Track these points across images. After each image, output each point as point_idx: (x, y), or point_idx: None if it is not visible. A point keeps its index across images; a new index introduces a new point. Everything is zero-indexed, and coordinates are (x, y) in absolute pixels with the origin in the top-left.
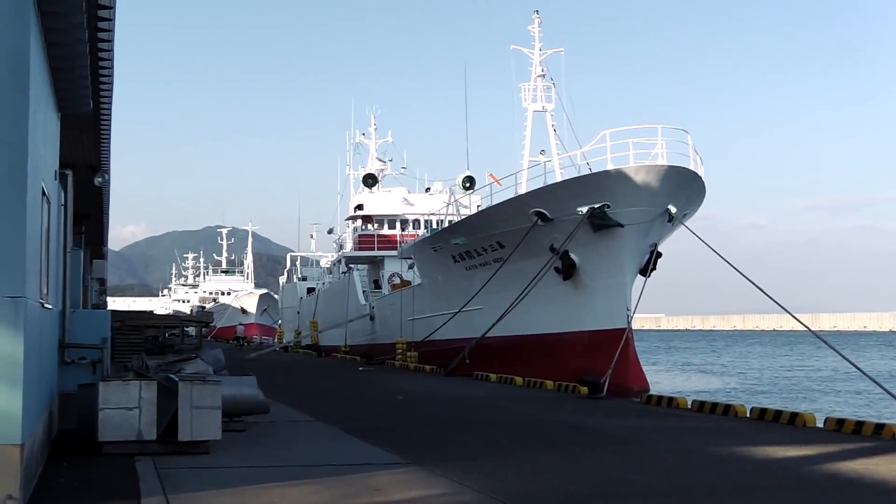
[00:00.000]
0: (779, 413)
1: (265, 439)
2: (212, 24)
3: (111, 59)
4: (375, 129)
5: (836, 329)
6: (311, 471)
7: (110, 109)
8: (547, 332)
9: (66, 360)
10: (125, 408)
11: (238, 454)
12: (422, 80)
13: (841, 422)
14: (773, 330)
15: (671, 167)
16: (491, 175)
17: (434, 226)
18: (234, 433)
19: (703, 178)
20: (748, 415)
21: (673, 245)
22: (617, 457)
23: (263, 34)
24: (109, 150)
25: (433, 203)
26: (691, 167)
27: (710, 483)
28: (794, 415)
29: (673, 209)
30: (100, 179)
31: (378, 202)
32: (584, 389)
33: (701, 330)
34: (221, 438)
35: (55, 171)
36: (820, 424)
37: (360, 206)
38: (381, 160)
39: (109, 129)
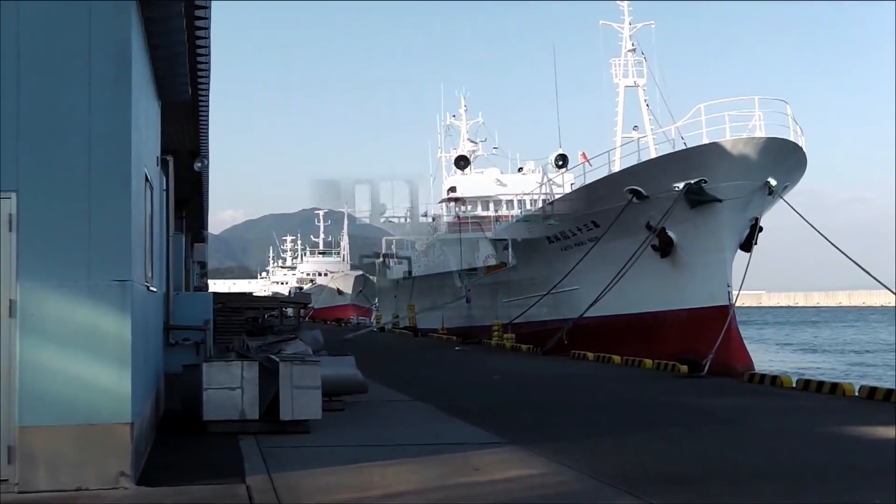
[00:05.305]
0: (890, 392)
1: (364, 419)
2: (308, 14)
3: (208, 47)
4: (466, 111)
5: None
6: (409, 450)
7: (208, 96)
8: (645, 312)
9: (170, 342)
10: (228, 388)
11: (338, 433)
12: (511, 59)
13: None
14: (882, 306)
15: (769, 139)
16: (582, 154)
17: (528, 206)
18: (334, 412)
19: (803, 149)
20: (857, 394)
21: (775, 220)
22: (719, 437)
23: (357, 22)
24: (208, 136)
25: (526, 183)
26: (791, 138)
27: (818, 464)
28: None
29: (773, 182)
30: (199, 164)
31: (471, 184)
32: (684, 368)
33: (804, 307)
34: (321, 418)
35: (157, 158)
36: None
37: (452, 189)
38: (472, 141)
39: (208, 115)
